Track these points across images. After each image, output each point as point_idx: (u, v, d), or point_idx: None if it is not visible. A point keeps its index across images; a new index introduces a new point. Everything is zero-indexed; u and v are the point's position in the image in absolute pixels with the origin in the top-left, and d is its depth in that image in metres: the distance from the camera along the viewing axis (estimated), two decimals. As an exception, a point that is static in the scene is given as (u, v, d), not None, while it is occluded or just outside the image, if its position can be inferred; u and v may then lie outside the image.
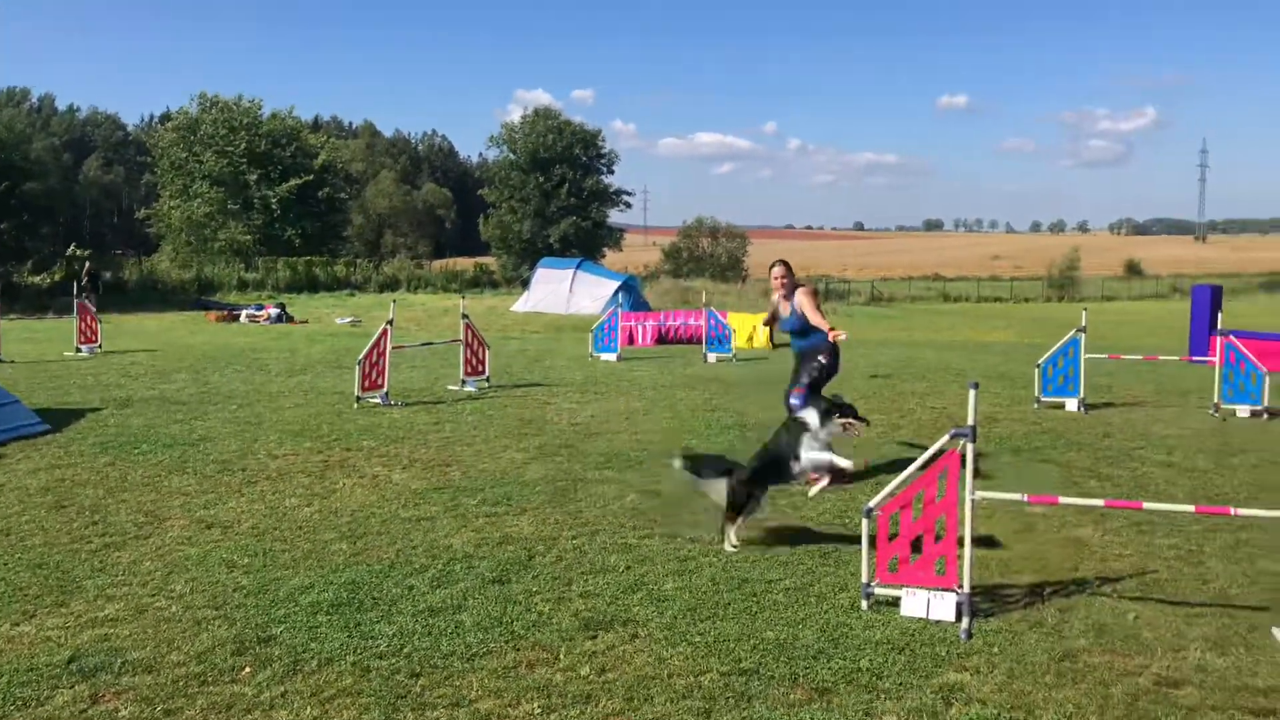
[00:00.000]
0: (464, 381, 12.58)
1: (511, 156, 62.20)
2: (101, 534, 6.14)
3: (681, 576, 5.44)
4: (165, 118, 73.70)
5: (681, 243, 66.08)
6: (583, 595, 5.15)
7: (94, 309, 17.91)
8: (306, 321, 27.40)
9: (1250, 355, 10.99)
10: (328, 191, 53.91)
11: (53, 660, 4.28)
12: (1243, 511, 4.84)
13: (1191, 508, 5.30)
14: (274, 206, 50.61)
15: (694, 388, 12.92)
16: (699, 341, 18.41)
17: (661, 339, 20.65)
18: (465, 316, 12.79)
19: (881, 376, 14.14)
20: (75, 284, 22.57)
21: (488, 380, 12.94)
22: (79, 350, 16.89)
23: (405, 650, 4.42)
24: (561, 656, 4.39)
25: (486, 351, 13.10)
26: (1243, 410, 10.81)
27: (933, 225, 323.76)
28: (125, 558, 5.70)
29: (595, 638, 4.59)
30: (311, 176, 52.14)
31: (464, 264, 59.86)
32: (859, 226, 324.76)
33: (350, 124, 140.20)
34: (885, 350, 19.51)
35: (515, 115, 64.32)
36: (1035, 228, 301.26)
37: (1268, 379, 10.75)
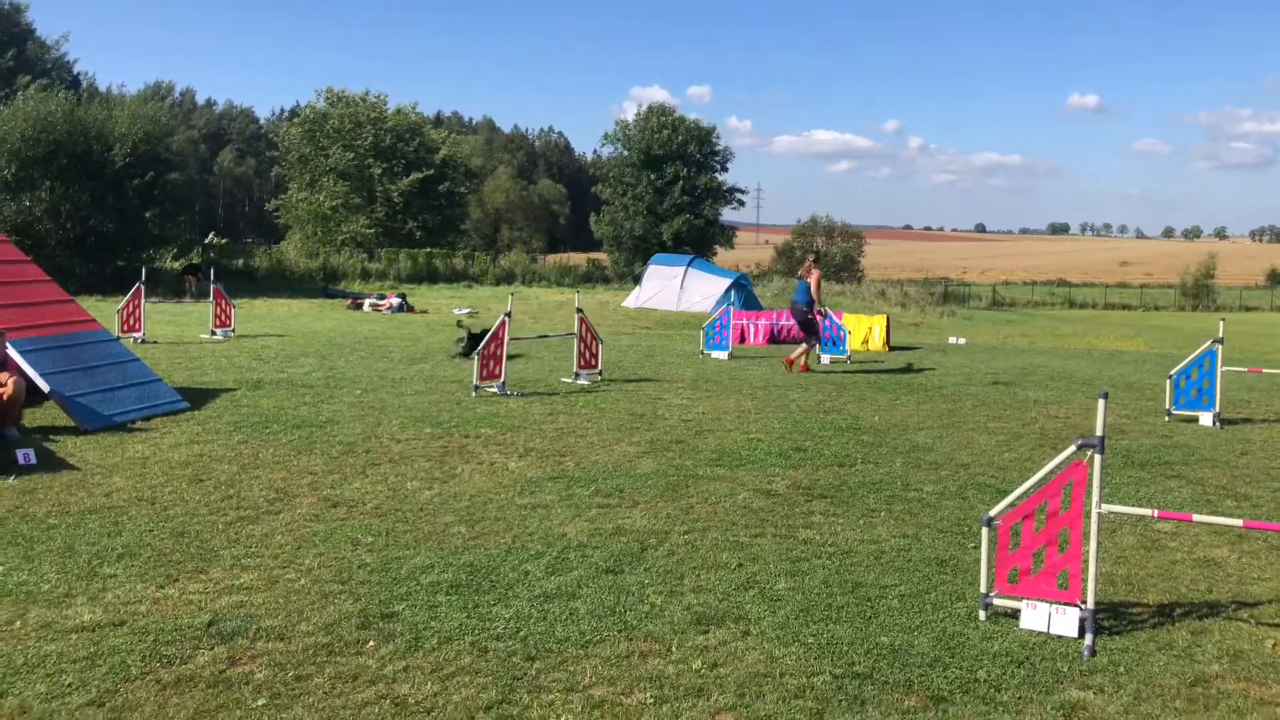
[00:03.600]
0: (577, 374, 12.75)
1: (625, 154, 62.62)
2: (236, 507, 6.45)
3: (794, 577, 5.42)
4: (294, 113, 76.50)
5: (795, 241, 65.52)
6: (694, 590, 5.18)
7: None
8: (426, 311, 28.11)
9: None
10: (448, 185, 55.12)
11: (194, 622, 4.53)
12: (1397, 538, 4.57)
13: (1339, 532, 5.02)
14: (396, 200, 52.07)
15: (807, 389, 12.80)
16: (812, 342, 18.20)
17: (773, 339, 20.50)
18: (580, 311, 12.94)
19: (1003, 383, 13.77)
20: (211, 270, 23.68)
21: (600, 374, 13.08)
22: (214, 333, 17.71)
23: (521, 633, 4.52)
24: (673, 649, 4.42)
25: (599, 345, 13.24)
26: (1396, 432, 10.16)
27: (1058, 229, 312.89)
28: (258, 531, 5.98)
29: (707, 632, 4.62)
30: (433, 171, 53.44)
31: (577, 259, 60.62)
32: (980, 228, 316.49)
33: (470, 120, 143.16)
34: (1006, 356, 18.96)
35: (630, 113, 64.75)
36: (1168, 233, 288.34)
37: None
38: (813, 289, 14.58)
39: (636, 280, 37.90)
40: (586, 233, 79.24)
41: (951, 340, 24.04)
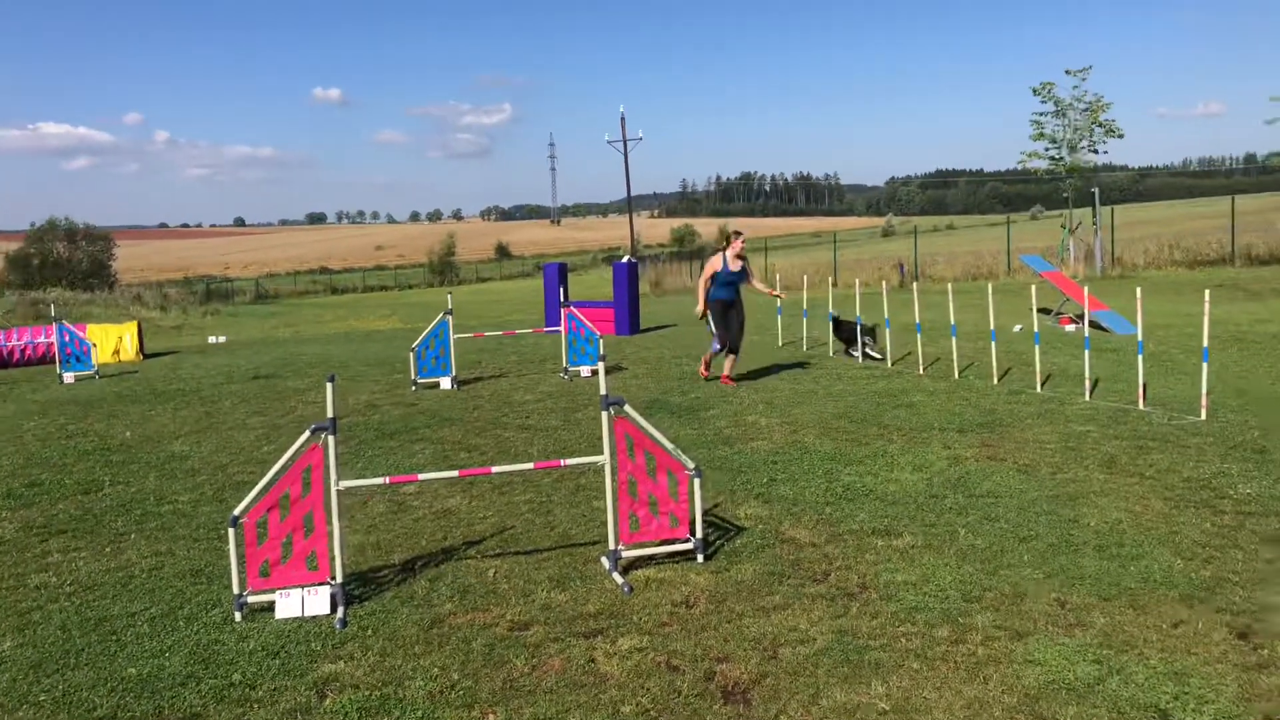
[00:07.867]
0: None
1: None
2: None
3: (23, 632, 4.81)
4: None
5: (31, 249, 57.46)
6: (-113, 682, 4.30)
7: None
8: None
9: (588, 322, 12.61)
10: None
11: None
12: (569, 461, 5.56)
13: (531, 465, 5.96)
14: None
15: (46, 414, 11.41)
16: (53, 361, 16.24)
17: (3, 365, 17.84)
18: None
19: (263, 377, 13.74)
20: None
21: None
22: None
23: None
24: None
25: None
26: (585, 370, 12.41)
27: (316, 218, 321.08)
28: None
29: (-96, 729, 3.88)
30: None
31: None
32: (240, 222, 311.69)
33: None
34: (269, 349, 18.98)
35: None
36: (415, 217, 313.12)
37: (601, 341, 12.40)
38: None
39: None
40: None
41: (212, 339, 23.36)
